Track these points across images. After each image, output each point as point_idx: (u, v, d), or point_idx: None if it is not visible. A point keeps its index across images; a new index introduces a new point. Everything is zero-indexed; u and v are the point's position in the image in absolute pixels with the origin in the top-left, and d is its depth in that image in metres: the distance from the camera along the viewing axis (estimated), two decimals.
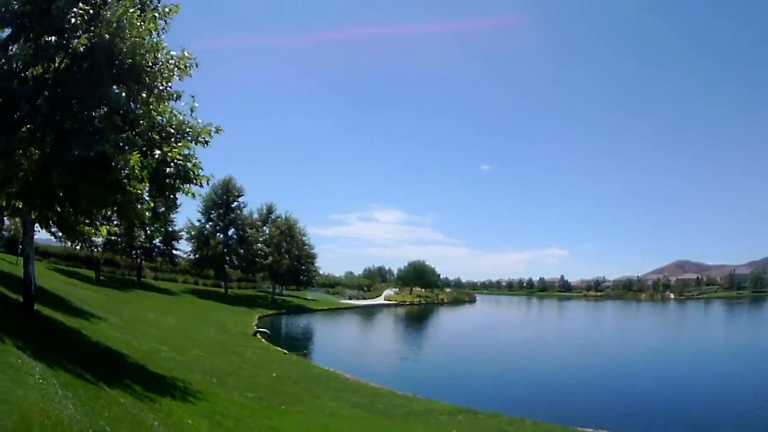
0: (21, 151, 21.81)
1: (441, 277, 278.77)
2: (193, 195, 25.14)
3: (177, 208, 26.66)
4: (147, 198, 23.83)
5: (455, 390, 40.01)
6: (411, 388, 35.53)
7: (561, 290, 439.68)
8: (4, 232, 66.47)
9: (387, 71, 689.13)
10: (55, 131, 20.91)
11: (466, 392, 39.15)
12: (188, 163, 23.36)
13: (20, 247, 54.50)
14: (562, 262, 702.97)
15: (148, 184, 21.92)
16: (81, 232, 28.73)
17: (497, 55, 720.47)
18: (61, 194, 22.51)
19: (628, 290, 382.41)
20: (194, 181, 23.93)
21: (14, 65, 20.47)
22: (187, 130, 23.95)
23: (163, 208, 28.62)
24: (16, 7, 21.15)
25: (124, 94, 21.35)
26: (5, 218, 30.29)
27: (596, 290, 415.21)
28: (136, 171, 20.02)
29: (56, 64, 20.78)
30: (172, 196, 25.17)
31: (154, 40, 22.09)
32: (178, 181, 23.31)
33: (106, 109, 21.73)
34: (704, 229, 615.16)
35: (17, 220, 38.46)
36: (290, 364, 41.32)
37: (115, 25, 20.10)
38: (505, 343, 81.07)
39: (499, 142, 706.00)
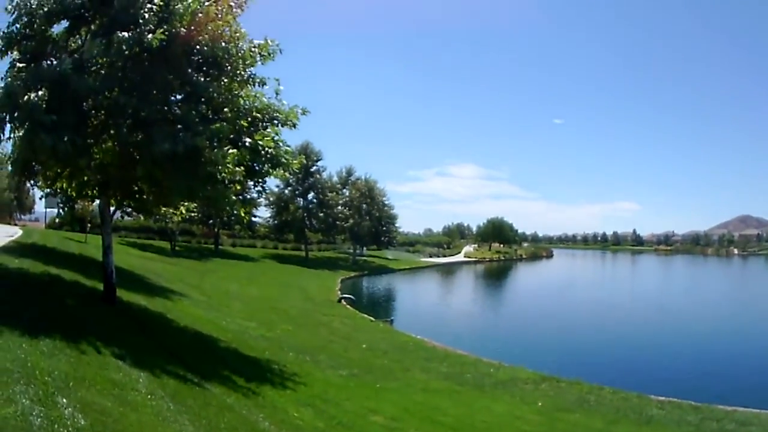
0: (95, 144, 21.88)
1: (518, 232, 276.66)
2: (285, 176, 25.51)
3: (264, 192, 26.36)
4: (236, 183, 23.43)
5: (536, 355, 40.48)
6: (494, 355, 35.65)
7: (633, 244, 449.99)
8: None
9: (461, 26, 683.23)
10: (132, 120, 20.91)
11: (546, 357, 39.17)
12: (279, 150, 23.36)
13: (88, 225, 55.46)
14: (634, 216, 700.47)
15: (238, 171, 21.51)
16: (158, 213, 29.02)
17: (571, 8, 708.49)
18: (146, 187, 22.86)
19: (695, 245, 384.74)
20: (285, 167, 24.15)
21: (77, 58, 20.41)
22: (275, 114, 23.87)
23: (254, 194, 28.42)
24: None
25: (203, 80, 21.13)
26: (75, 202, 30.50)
27: (666, 244, 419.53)
28: (231, 166, 19.99)
29: (126, 53, 20.29)
30: (261, 181, 25.38)
31: (234, 29, 21.86)
32: (268, 166, 23.35)
33: (185, 95, 21.76)
34: (766, 184, 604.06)
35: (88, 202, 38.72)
36: (377, 333, 41.48)
37: (189, 18, 19.97)
38: (583, 303, 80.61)
39: (572, 96, 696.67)
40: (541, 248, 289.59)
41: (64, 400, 9.56)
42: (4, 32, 21.44)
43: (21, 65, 20.88)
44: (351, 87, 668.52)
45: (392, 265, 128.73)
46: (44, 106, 18.47)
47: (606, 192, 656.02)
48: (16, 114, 19.39)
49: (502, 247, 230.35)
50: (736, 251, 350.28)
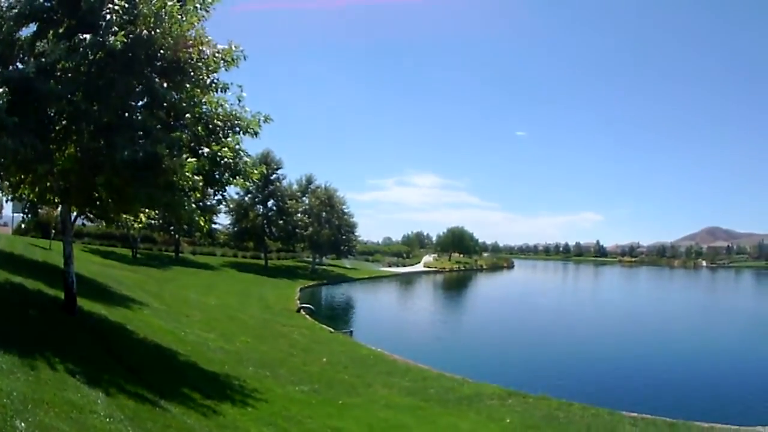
0: (56, 149, 21.48)
1: (479, 242, 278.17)
2: (243, 185, 25.16)
3: (225, 201, 26.04)
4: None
5: (500, 368, 40.90)
6: (457, 368, 35.52)
7: (596, 255, 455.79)
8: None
9: (422, 35, 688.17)
10: (94, 126, 20.51)
11: (510, 371, 39.63)
12: (239, 160, 23.07)
13: (53, 231, 54.72)
14: (596, 227, 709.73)
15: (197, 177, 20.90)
16: (119, 220, 28.54)
17: (533, 22, 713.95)
18: (106, 194, 22.08)
19: (661, 256, 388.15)
20: (245, 177, 23.68)
21: (45, 63, 19.81)
22: (236, 121, 23.40)
23: (213, 200, 27.91)
24: (42, 1, 20.62)
25: (166, 85, 20.81)
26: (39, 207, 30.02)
27: (630, 256, 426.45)
28: (189, 175, 19.59)
29: (90, 57, 20.00)
30: (221, 190, 24.77)
31: (199, 33, 21.59)
32: (227, 175, 22.98)
33: (147, 101, 21.42)
34: (734, 197, 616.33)
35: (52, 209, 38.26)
36: (337, 345, 41.13)
37: (153, 19, 19.57)
38: (546, 316, 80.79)
39: (534, 109, 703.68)
40: (502, 259, 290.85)
41: (23, 425, 9.24)
42: None
43: None
44: (312, 97, 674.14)
45: (351, 275, 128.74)
46: (5, 107, 18.00)
47: (568, 203, 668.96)
48: None
49: (462, 257, 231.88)
50: (704, 263, 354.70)
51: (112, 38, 18.56)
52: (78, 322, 22.92)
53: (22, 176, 22.98)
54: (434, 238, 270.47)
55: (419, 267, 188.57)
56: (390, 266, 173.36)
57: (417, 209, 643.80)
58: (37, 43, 20.92)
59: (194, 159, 20.31)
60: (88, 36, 18.81)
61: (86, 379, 13.90)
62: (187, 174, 19.49)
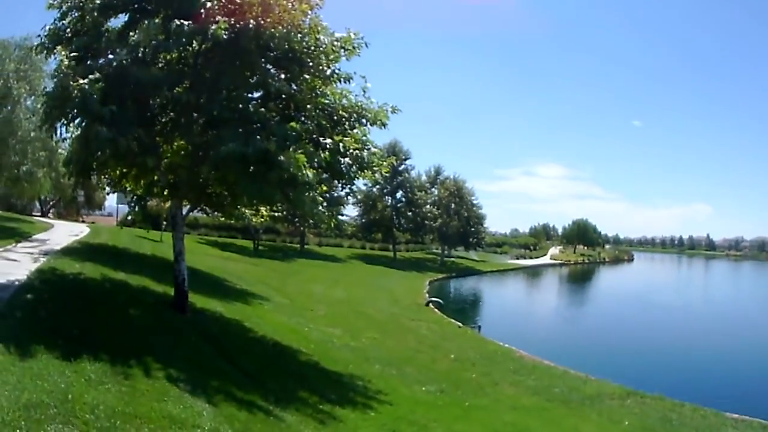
0: (164, 143, 21.13)
1: (601, 234, 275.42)
2: (372, 178, 24.28)
3: (353, 193, 25.50)
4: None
5: (620, 365, 39.68)
6: (581, 365, 34.54)
7: (706, 249, 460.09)
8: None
9: (546, 26, 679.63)
10: (203, 120, 20.19)
11: (630, 368, 38.49)
12: (365, 151, 22.03)
13: (164, 223, 54.26)
14: (707, 219, 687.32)
15: (321, 170, 20.24)
16: (238, 213, 27.99)
17: (647, 10, 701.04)
18: (219, 191, 21.94)
19: (761, 251, 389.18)
20: (373, 169, 22.74)
21: (140, 52, 19.32)
22: (362, 112, 22.36)
23: (341, 193, 26.95)
24: None
25: (282, 77, 20.14)
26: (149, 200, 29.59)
27: (735, 250, 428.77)
28: (303, 171, 18.31)
29: (195, 48, 19.90)
30: (348, 183, 23.88)
31: (313, 21, 20.73)
32: (354, 168, 21.94)
33: (261, 94, 20.87)
34: None
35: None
36: (465, 341, 39.92)
37: (260, 8, 18.80)
38: (665, 311, 77.56)
39: (650, 98, 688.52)
40: (622, 251, 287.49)
41: None
42: (49, 28, 20.70)
43: (72, 62, 19.65)
44: (437, 85, 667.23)
45: (479, 267, 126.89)
46: (99, 97, 17.34)
47: (682, 194, 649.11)
48: (67, 109, 18.28)
49: (585, 250, 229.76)
50: None
51: (213, 27, 17.93)
52: (188, 322, 22.29)
53: (124, 170, 22.68)
54: (560, 230, 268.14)
55: (546, 259, 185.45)
56: (517, 258, 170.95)
57: (542, 200, 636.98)
58: (130, 34, 20.14)
59: (303, 155, 18.92)
60: (185, 22, 18.14)
61: (191, 388, 13.02)
62: (300, 168, 18.29)
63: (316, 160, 19.23)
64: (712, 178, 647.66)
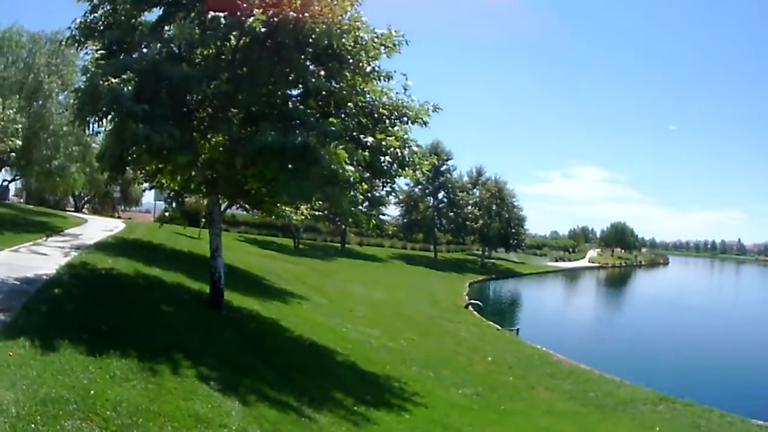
0: (199, 136, 20.97)
1: (638, 237, 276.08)
2: (413, 177, 24.01)
3: (394, 192, 25.45)
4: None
5: (654, 369, 39.64)
6: (615, 369, 34.52)
7: (737, 253, 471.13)
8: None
9: (586, 30, 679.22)
10: (242, 116, 20.02)
11: (663, 372, 38.47)
12: (406, 150, 21.57)
13: (202, 220, 53.96)
14: (740, 224, 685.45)
15: (362, 168, 19.61)
16: (277, 211, 27.76)
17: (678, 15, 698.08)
18: (259, 186, 21.60)
19: None
20: (414, 168, 22.34)
21: (176, 47, 19.31)
22: (403, 110, 22.06)
23: (382, 192, 26.66)
24: None
25: (322, 73, 19.82)
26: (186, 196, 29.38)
27: (765, 255, 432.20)
28: (344, 167, 17.95)
29: (232, 43, 19.75)
30: (389, 181, 24.03)
31: (353, 18, 20.20)
32: (395, 166, 21.51)
33: (301, 91, 20.58)
34: None
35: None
36: (503, 344, 39.63)
37: (298, 1, 18.35)
38: (697, 316, 77.71)
39: (686, 102, 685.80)
40: (658, 255, 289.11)
41: None
42: (80, 21, 20.46)
43: (102, 56, 20.00)
44: (478, 88, 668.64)
45: (519, 269, 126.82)
46: (132, 94, 17.21)
47: (715, 199, 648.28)
48: (99, 106, 18.09)
49: (623, 253, 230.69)
50: None
51: (250, 20, 17.69)
52: (223, 319, 22.07)
53: (159, 165, 22.54)
54: (598, 233, 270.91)
55: (584, 262, 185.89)
56: (556, 261, 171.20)
57: (581, 202, 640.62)
58: (165, 28, 20.17)
59: (344, 149, 18.55)
60: (221, 14, 18.02)
61: (221, 386, 12.74)
62: (341, 164, 17.91)
63: (355, 158, 18.79)
64: (746, 183, 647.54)
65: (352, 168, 18.30)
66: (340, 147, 18.15)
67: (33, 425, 8.17)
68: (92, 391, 9.65)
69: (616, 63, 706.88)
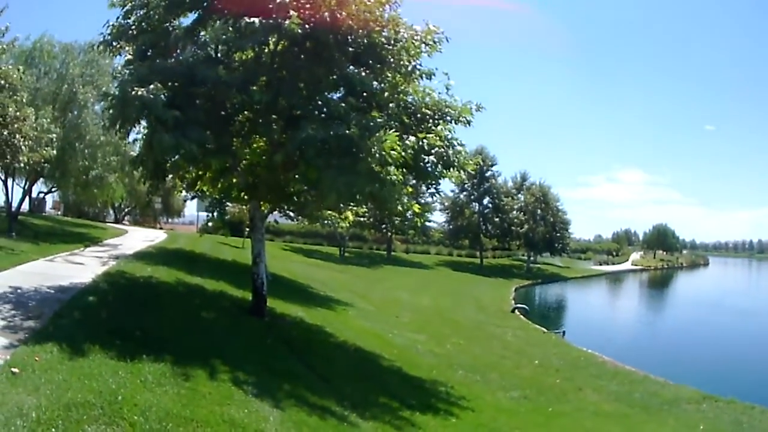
0: (240, 141, 20.74)
1: (679, 239, 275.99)
2: (458, 178, 23.64)
3: (438, 194, 25.58)
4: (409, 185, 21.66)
5: (697, 368, 40.02)
6: (659, 369, 34.21)
7: None
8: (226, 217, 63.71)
9: (624, 34, 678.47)
10: (283, 118, 19.67)
11: (707, 373, 38.19)
12: (450, 149, 21.10)
13: (246, 230, 53.84)
14: None
15: (405, 170, 19.57)
16: (323, 217, 27.48)
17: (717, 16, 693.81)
18: (303, 188, 21.23)
19: None
20: (459, 168, 21.78)
21: (213, 51, 19.37)
22: (446, 110, 21.67)
23: (428, 198, 26.64)
24: None
25: (364, 74, 19.33)
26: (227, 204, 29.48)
27: None
28: (394, 154, 17.71)
29: (270, 47, 19.44)
30: (433, 183, 23.34)
31: (392, 16, 20.01)
32: (440, 167, 21.10)
33: (343, 92, 20.13)
34: None
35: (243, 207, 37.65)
36: (550, 347, 39.25)
37: (334, 0, 18.19)
38: (738, 314, 77.09)
39: (721, 103, 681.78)
40: (699, 256, 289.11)
41: None
42: (113, 25, 20.48)
43: (135, 62, 19.87)
44: (521, 94, 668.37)
45: (564, 273, 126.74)
46: (164, 100, 16.96)
47: (753, 198, 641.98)
48: (130, 112, 17.88)
49: (665, 255, 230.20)
50: None
51: (287, 22, 17.39)
52: (265, 326, 21.76)
53: (199, 173, 22.59)
54: (641, 236, 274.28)
55: (627, 265, 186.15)
56: (600, 264, 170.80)
57: (624, 205, 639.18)
58: (201, 33, 20.21)
59: (393, 132, 18.22)
60: (256, 20, 17.71)
61: (258, 391, 12.35)
62: (391, 154, 17.68)
63: (402, 151, 18.31)
64: None
65: (395, 170, 18.03)
66: (389, 132, 17.95)
67: (54, 429, 7.96)
68: (120, 396, 9.38)
69: (653, 66, 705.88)
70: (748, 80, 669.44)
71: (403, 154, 18.14)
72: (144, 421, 8.68)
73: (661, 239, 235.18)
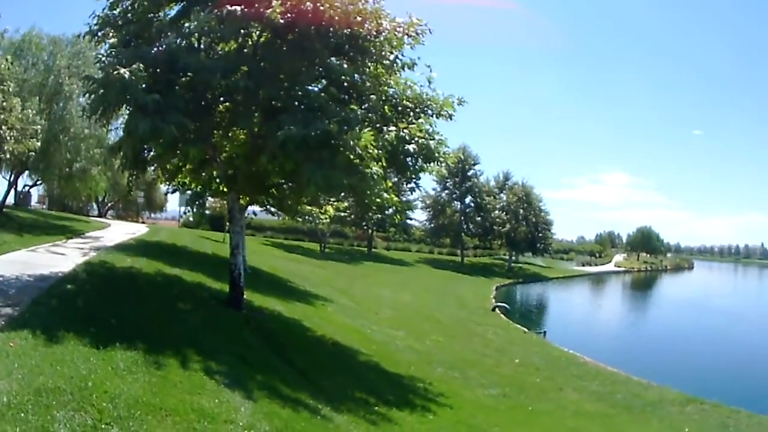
0: (220, 133, 20.84)
1: (663, 242, 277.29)
2: (439, 173, 23.62)
3: (418, 188, 25.36)
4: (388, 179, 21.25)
5: (681, 371, 39.81)
6: (642, 371, 34.32)
7: (761, 258, 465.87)
8: (206, 211, 63.61)
9: (611, 36, 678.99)
10: (262, 109, 19.59)
11: (690, 373, 38.66)
12: (431, 141, 20.95)
13: (227, 224, 53.81)
14: (763, 228, 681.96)
15: (385, 164, 19.38)
16: (303, 212, 27.35)
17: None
18: (281, 180, 21.33)
19: None
20: (438, 160, 21.77)
21: (196, 41, 19.28)
22: (427, 103, 21.71)
23: (408, 195, 26.62)
24: None
25: (346, 66, 19.40)
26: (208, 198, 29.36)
27: None
28: (370, 150, 17.65)
29: (253, 38, 19.56)
30: (413, 177, 23.18)
31: (374, 6, 19.81)
32: (420, 160, 21.12)
33: (324, 83, 20.19)
34: None
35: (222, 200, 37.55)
36: (530, 346, 39.49)
37: None
38: (721, 318, 77.09)
39: (710, 108, 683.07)
40: (683, 260, 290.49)
41: None
42: (98, 16, 20.46)
43: (120, 47, 19.92)
44: (504, 94, 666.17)
45: (545, 273, 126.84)
46: (144, 84, 16.99)
47: (739, 203, 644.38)
48: (110, 95, 17.82)
49: (649, 257, 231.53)
50: None
51: (269, 11, 17.47)
52: (242, 318, 21.60)
53: (179, 164, 22.55)
54: (624, 238, 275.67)
55: (610, 266, 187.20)
56: (583, 265, 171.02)
57: (607, 208, 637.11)
58: (186, 24, 20.11)
59: (369, 130, 18.33)
60: (238, 8, 17.60)
61: (232, 382, 12.20)
62: (366, 148, 17.60)
63: (380, 142, 18.50)
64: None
65: (375, 164, 17.98)
66: (366, 130, 17.89)
67: (23, 414, 7.92)
68: (90, 383, 9.30)
69: (641, 69, 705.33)
70: (737, 85, 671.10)
71: (378, 152, 18.16)
72: (112, 408, 8.59)
73: (645, 241, 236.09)
